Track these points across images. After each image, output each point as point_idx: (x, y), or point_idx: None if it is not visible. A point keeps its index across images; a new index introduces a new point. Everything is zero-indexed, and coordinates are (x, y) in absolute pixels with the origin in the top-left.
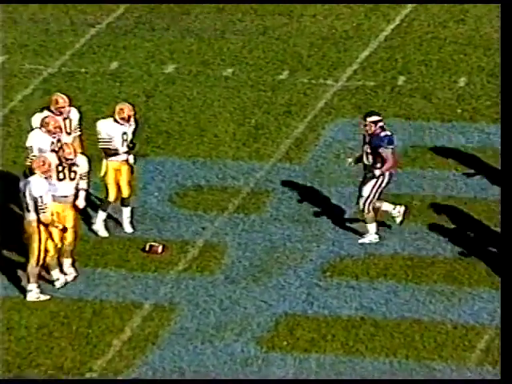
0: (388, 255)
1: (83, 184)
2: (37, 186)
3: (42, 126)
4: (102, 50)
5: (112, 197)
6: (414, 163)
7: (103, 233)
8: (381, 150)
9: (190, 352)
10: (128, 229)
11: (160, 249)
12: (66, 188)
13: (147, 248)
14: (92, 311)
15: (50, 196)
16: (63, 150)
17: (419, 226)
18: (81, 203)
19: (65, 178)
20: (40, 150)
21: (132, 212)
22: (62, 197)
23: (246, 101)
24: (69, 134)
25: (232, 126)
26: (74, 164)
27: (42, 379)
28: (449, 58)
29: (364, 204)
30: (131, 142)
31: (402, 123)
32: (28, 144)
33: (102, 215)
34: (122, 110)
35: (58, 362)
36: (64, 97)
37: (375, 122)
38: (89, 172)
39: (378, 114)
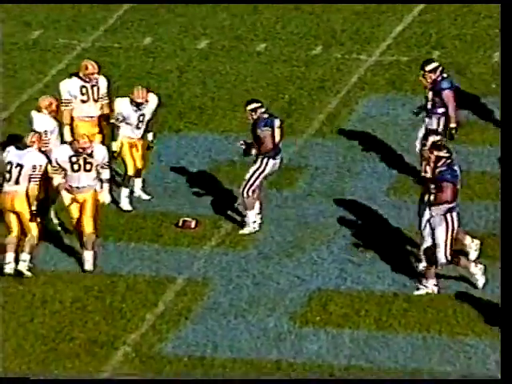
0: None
1: (106, 174)
2: (38, 156)
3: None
4: (136, 25)
5: (131, 171)
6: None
7: (128, 207)
8: (258, 132)
9: (223, 327)
10: (145, 196)
11: (193, 224)
12: (82, 179)
13: (180, 223)
14: (126, 286)
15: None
16: (78, 141)
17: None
18: (106, 198)
19: (80, 169)
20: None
21: (144, 181)
22: (77, 187)
23: (279, 76)
24: (96, 101)
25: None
26: (90, 155)
27: (45, 379)
28: (483, 33)
29: (243, 188)
30: (149, 121)
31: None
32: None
33: (125, 191)
34: (138, 93)
35: (92, 336)
36: (93, 63)
37: (254, 110)
38: (109, 161)
39: (257, 101)
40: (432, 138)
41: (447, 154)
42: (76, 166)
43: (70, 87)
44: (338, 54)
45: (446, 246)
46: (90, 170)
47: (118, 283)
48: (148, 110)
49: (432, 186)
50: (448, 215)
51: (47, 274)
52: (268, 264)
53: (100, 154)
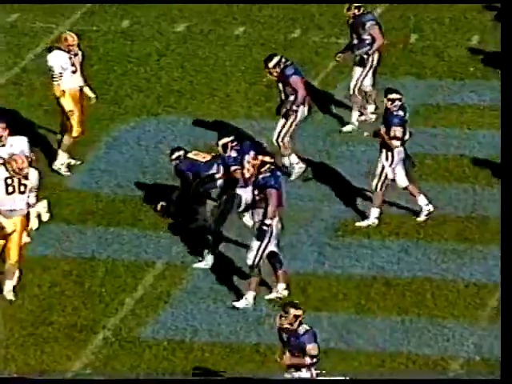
0: (400, 214)
1: (32, 199)
2: None
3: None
4: (113, 8)
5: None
6: (426, 122)
7: (66, 172)
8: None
9: (203, 311)
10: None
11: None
12: (16, 202)
13: (159, 208)
14: (105, 270)
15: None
16: (15, 161)
17: (431, 184)
18: (34, 224)
19: (14, 191)
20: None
21: None
22: (9, 211)
23: (258, 59)
24: (74, 72)
25: (244, 85)
26: (25, 177)
27: (43, 379)
28: (461, 16)
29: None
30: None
31: (414, 81)
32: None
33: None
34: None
35: (72, 320)
36: (73, 34)
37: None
38: (38, 187)
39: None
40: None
41: (271, 160)
42: (10, 189)
43: (60, 60)
44: (317, 37)
45: (258, 252)
46: (23, 193)
47: (97, 268)
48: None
49: (256, 192)
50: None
51: (25, 259)
52: (247, 248)
53: (33, 176)
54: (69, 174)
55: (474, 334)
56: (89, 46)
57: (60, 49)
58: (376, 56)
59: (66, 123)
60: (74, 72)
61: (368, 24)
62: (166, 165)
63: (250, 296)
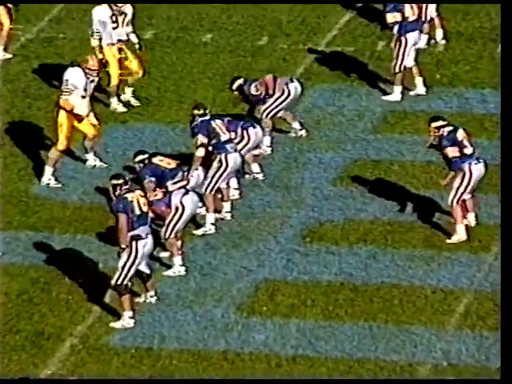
0: (367, 221)
1: None
2: None
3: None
4: (80, 15)
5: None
6: (394, 128)
7: (57, 185)
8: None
9: (170, 318)
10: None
11: None
12: None
13: None
14: (72, 277)
15: None
16: None
17: (398, 190)
18: None
19: None
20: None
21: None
22: None
23: (226, 66)
24: (83, 97)
25: (211, 92)
26: None
27: (43, 379)
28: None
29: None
30: None
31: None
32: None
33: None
34: (87, 60)
35: (39, 328)
36: (95, 60)
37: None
38: None
39: None
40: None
41: (121, 181)
42: None
43: (77, 78)
44: (284, 44)
45: (123, 270)
46: None
47: (65, 275)
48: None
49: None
50: (133, 243)
51: None
52: (215, 255)
53: None
54: (59, 185)
55: (442, 340)
56: (56, 53)
57: (81, 67)
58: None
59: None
60: (83, 97)
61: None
62: (133, 172)
63: (126, 316)
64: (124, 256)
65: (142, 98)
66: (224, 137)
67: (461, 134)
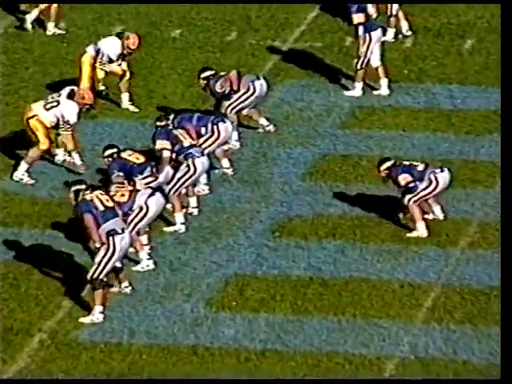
0: (336, 215)
1: None
2: None
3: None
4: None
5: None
6: (362, 124)
7: (30, 181)
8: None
9: (140, 313)
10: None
11: None
12: None
13: None
14: (41, 273)
15: None
16: None
17: (366, 186)
18: None
19: None
20: None
21: None
22: None
23: (195, 62)
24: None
25: (181, 88)
26: None
27: (43, 379)
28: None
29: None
30: None
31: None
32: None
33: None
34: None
35: (8, 324)
36: (90, 94)
37: None
38: None
39: None
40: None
41: (82, 186)
42: None
43: (74, 112)
44: (253, 39)
45: (99, 265)
46: None
47: (34, 271)
48: None
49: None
50: (110, 238)
51: None
52: (184, 250)
53: None
54: (33, 181)
55: (409, 334)
56: (24, 49)
57: (77, 103)
58: None
59: (33, 136)
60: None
61: None
62: (102, 167)
63: (96, 311)
64: (101, 251)
65: (112, 94)
66: (186, 142)
67: (406, 162)
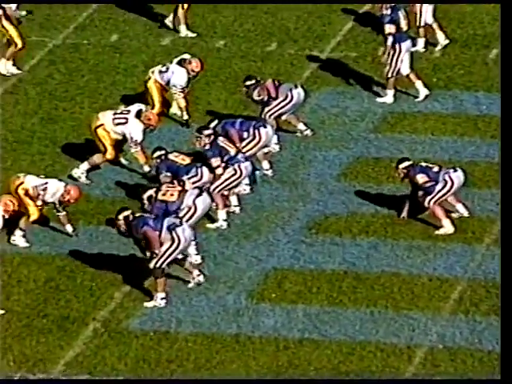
0: (369, 214)
1: None
2: None
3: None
4: (103, 23)
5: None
6: (393, 128)
7: (86, 181)
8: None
9: (186, 304)
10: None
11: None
12: None
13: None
14: (95, 266)
15: None
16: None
17: (397, 186)
18: None
19: None
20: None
21: None
22: None
23: (237, 70)
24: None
25: (224, 94)
26: None
27: (43, 379)
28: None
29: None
30: None
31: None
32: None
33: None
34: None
35: (65, 313)
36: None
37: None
38: None
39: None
40: None
41: (129, 213)
42: None
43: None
44: (292, 50)
45: (163, 255)
46: None
47: (88, 264)
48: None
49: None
50: (173, 232)
51: (22, 256)
52: (227, 245)
53: None
54: (88, 182)
55: (437, 324)
56: (80, 59)
57: (144, 124)
58: None
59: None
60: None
61: None
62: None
63: (158, 297)
64: (166, 244)
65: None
66: (232, 151)
67: (423, 163)
